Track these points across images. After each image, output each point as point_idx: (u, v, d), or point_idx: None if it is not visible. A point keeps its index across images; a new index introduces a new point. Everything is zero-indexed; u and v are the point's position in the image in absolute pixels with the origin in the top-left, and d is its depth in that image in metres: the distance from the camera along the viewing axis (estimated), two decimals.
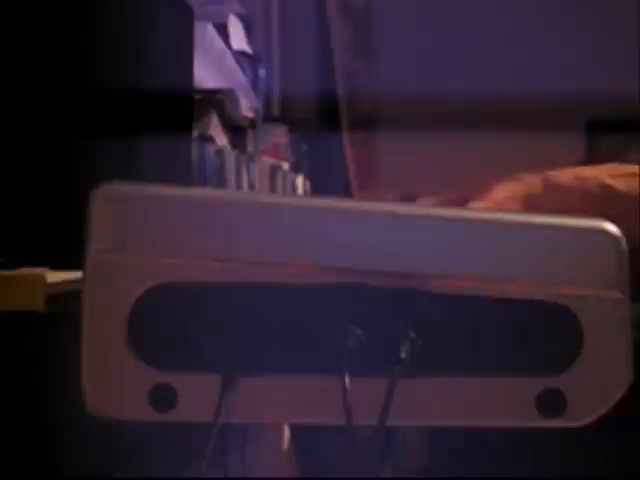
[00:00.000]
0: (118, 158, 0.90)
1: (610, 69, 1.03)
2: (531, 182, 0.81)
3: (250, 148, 2.60)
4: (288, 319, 0.60)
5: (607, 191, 0.79)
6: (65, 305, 0.72)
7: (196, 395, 0.61)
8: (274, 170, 2.79)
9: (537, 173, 0.82)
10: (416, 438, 0.95)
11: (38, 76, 0.91)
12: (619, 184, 0.80)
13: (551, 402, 0.61)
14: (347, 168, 1.09)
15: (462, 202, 0.80)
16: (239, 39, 2.59)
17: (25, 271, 0.76)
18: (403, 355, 0.59)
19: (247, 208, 0.61)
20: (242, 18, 2.61)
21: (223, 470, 0.69)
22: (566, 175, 0.81)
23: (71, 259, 0.65)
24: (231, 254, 0.60)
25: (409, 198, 0.80)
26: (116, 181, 0.61)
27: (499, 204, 0.79)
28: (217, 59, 2.21)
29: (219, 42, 2.19)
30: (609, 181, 0.80)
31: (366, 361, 0.60)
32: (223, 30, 2.31)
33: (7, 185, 0.90)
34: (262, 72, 3.12)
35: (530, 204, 0.80)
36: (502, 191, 0.80)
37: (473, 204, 0.80)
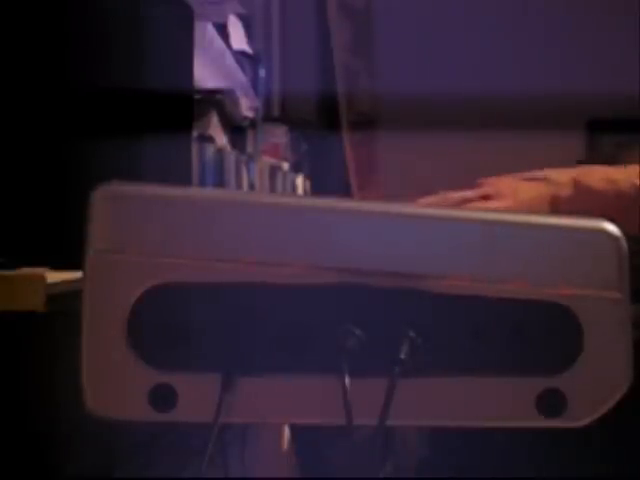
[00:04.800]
0: (118, 158, 0.90)
1: (610, 69, 1.03)
2: (559, 183, 0.82)
3: (250, 148, 2.60)
4: (288, 319, 0.60)
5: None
6: (65, 305, 0.72)
7: (196, 395, 0.61)
8: (274, 170, 2.78)
9: (563, 173, 0.83)
10: (416, 438, 0.95)
11: (38, 76, 0.91)
12: None
13: (551, 402, 0.61)
14: (347, 168, 1.09)
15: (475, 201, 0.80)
16: (239, 39, 2.59)
17: (25, 271, 0.76)
18: (403, 355, 0.59)
19: (247, 208, 0.61)
20: (242, 18, 2.61)
21: (223, 470, 0.69)
22: (596, 177, 0.82)
23: (71, 259, 0.65)
24: (231, 254, 0.60)
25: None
26: (116, 181, 0.61)
27: (526, 205, 0.80)
28: (217, 59, 2.21)
29: (219, 42, 2.19)
30: None
31: (366, 361, 0.60)
32: (223, 30, 2.31)
33: (7, 185, 0.90)
34: (262, 72, 3.12)
35: (558, 205, 0.81)
36: (528, 192, 0.81)
37: (495, 203, 0.80)
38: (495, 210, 0.79)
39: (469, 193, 0.82)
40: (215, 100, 2.07)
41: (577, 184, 0.82)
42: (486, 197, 0.82)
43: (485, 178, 0.85)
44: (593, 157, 1.08)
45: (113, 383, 0.61)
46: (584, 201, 0.81)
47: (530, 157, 1.02)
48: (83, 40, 0.91)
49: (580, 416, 0.62)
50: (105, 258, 0.60)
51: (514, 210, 0.81)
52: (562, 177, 0.83)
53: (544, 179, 0.83)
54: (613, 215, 0.72)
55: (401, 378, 0.59)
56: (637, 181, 0.81)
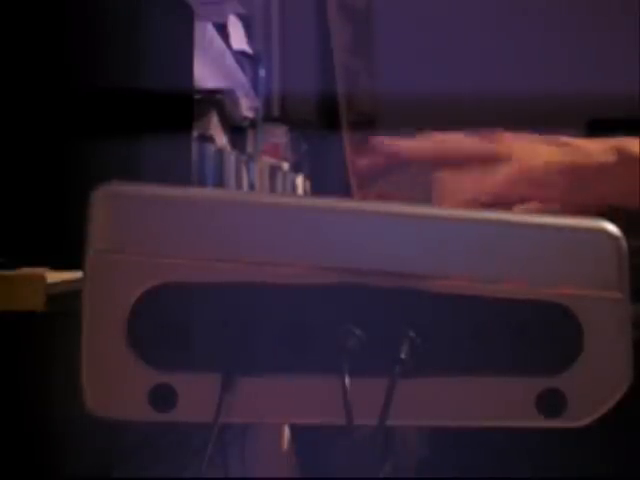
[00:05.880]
0: (118, 158, 0.90)
1: (610, 69, 1.03)
2: (591, 151, 0.75)
3: (250, 148, 2.60)
4: (288, 319, 0.60)
5: None
6: (65, 305, 0.72)
7: (196, 395, 0.61)
8: (274, 170, 2.79)
9: (594, 141, 0.76)
10: (416, 438, 0.95)
11: (38, 76, 0.91)
12: None
13: (551, 402, 0.61)
14: (347, 168, 1.09)
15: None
16: (239, 39, 2.59)
17: (25, 271, 0.76)
18: (403, 355, 0.59)
19: (247, 208, 0.61)
20: (242, 18, 2.61)
21: (223, 470, 0.69)
22: (637, 146, 0.76)
23: (71, 259, 0.65)
24: (231, 254, 0.60)
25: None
26: (116, 181, 0.61)
27: (538, 171, 0.72)
28: (217, 59, 2.21)
29: (219, 42, 2.19)
30: None
31: (366, 361, 0.60)
32: (223, 30, 2.31)
33: (7, 185, 0.90)
34: (262, 72, 3.12)
35: (585, 175, 0.74)
36: (548, 156, 0.74)
37: (500, 169, 0.73)
38: (496, 179, 0.75)
39: (475, 145, 0.75)
40: (215, 100, 2.07)
41: (620, 151, 0.75)
42: (493, 157, 0.75)
43: (500, 134, 0.77)
44: None
45: (113, 383, 0.61)
46: (626, 168, 0.74)
47: None
48: (83, 40, 0.91)
49: (580, 416, 0.62)
50: (105, 258, 0.60)
51: (521, 177, 0.76)
52: (594, 145, 0.75)
53: (569, 145, 0.76)
54: None
55: (401, 378, 0.59)
56: None
